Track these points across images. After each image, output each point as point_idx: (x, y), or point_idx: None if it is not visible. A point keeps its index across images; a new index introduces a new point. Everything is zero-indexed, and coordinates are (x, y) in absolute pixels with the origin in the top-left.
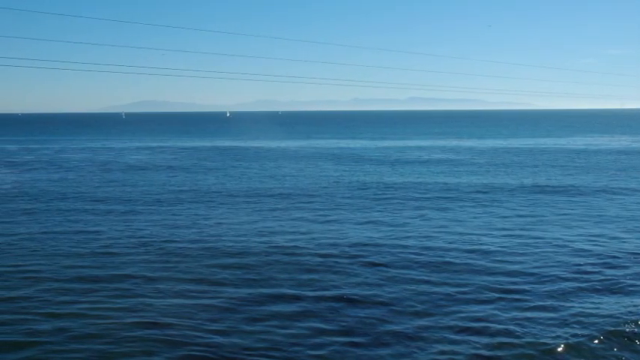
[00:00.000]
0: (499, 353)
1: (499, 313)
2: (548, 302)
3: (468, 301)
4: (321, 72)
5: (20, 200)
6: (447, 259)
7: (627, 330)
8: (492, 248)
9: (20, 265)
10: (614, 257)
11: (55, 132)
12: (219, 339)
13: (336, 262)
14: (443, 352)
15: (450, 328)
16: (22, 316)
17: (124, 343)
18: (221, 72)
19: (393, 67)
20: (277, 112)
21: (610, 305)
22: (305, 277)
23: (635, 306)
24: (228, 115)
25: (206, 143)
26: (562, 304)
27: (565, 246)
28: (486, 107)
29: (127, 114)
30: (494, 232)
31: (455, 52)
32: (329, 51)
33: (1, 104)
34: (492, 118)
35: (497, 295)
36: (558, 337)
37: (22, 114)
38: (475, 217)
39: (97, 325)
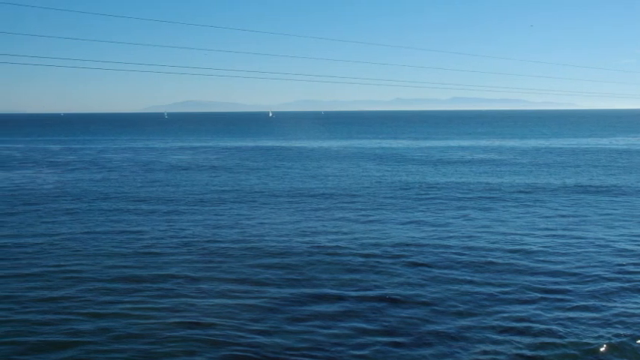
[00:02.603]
0: (542, 353)
1: (542, 313)
2: (591, 302)
3: (510, 301)
4: (364, 72)
5: (63, 200)
6: (490, 259)
7: None
8: (535, 248)
9: (63, 265)
10: None
11: (97, 132)
12: (261, 339)
13: (379, 262)
14: (485, 352)
15: (492, 328)
16: (65, 316)
17: (166, 343)
18: (264, 72)
19: (436, 67)
20: (320, 112)
21: None
22: (347, 277)
23: None
24: (270, 115)
25: (248, 143)
26: (605, 304)
27: (608, 246)
28: (529, 107)
29: (169, 114)
30: (537, 232)
31: (497, 52)
32: (371, 51)
33: (44, 104)
34: (535, 118)
35: (539, 295)
36: (601, 337)
37: (65, 114)
38: (518, 217)
39: (140, 325)
